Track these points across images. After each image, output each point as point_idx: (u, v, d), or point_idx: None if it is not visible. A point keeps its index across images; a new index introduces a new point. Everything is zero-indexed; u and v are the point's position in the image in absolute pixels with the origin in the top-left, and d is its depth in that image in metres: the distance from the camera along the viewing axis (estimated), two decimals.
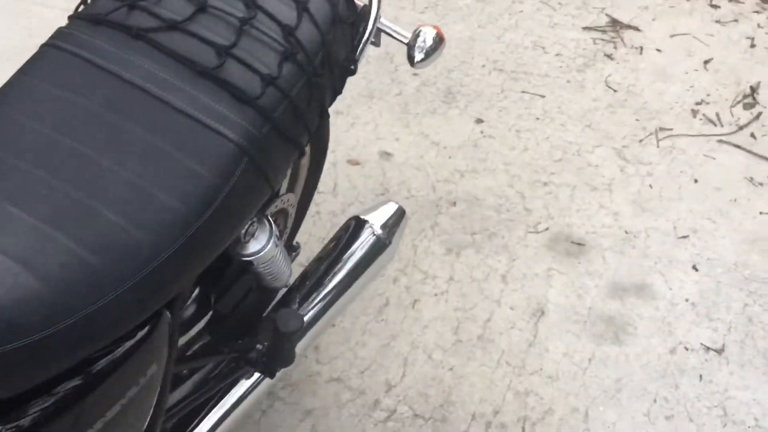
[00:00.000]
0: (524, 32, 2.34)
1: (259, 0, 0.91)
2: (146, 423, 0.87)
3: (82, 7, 0.91)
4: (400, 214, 1.38)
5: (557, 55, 2.28)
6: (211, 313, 1.16)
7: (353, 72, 1.03)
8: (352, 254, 1.31)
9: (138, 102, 0.82)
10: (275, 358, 1.09)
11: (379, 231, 1.34)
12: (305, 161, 1.32)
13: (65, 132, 0.79)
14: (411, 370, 1.50)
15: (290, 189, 1.33)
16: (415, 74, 2.15)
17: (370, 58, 2.15)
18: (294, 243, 1.36)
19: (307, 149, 1.24)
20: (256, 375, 1.20)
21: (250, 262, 0.99)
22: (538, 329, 1.59)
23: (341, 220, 1.73)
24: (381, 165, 1.89)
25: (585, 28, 2.39)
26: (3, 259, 0.69)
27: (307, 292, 1.26)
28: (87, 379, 0.75)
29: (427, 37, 1.14)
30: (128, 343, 0.79)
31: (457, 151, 1.95)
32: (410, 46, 1.14)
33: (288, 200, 1.27)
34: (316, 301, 1.26)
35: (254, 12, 0.89)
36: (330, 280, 1.28)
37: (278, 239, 1.01)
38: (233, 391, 1.17)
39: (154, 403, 0.87)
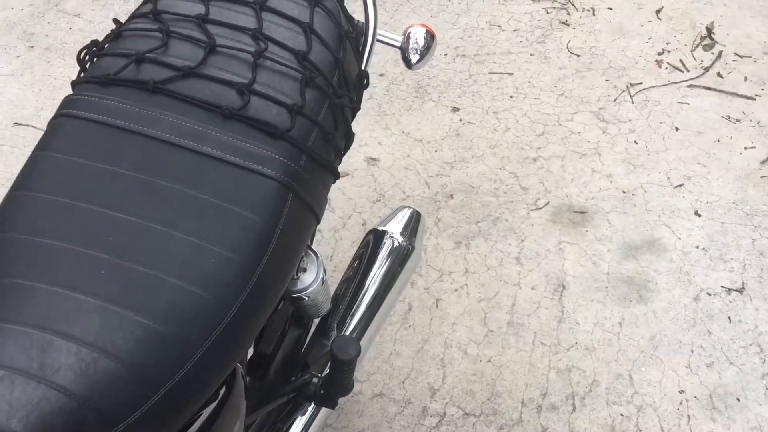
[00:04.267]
0: (477, 14, 2.35)
1: (265, 30, 0.88)
2: None
3: (83, 72, 0.87)
4: (416, 218, 1.36)
5: (515, 30, 2.29)
6: (250, 355, 1.13)
7: (367, 85, 1.01)
8: (378, 268, 1.29)
9: (169, 157, 0.78)
10: (335, 387, 1.06)
11: (399, 239, 1.32)
12: None
13: (103, 203, 0.75)
14: (450, 370, 1.49)
15: None
16: (381, 75, 2.14)
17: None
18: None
19: None
20: (311, 408, 1.17)
21: (300, 297, 0.96)
22: (563, 304, 1.59)
23: (345, 235, 1.72)
24: (370, 171, 1.87)
25: (534, 0, 2.40)
26: (77, 348, 0.65)
27: (342, 316, 1.24)
28: None
29: (419, 37, 1.12)
30: (212, 406, 0.76)
31: (442, 144, 1.94)
32: (404, 49, 1.12)
33: None
34: (354, 322, 1.24)
35: (264, 44, 0.87)
36: (363, 298, 1.26)
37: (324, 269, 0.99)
38: (293, 428, 1.15)
39: None
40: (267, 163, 0.80)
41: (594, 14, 2.34)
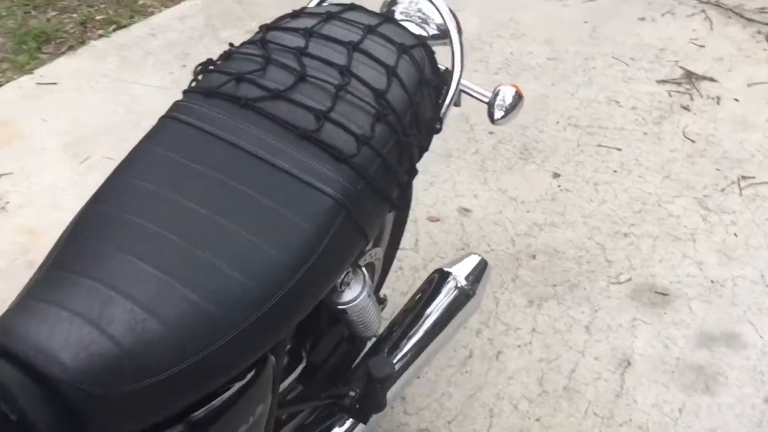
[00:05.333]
0: (598, 88, 2.39)
1: (352, 68, 1.00)
2: None
3: (194, 82, 1.02)
4: (482, 266, 1.42)
5: (632, 108, 2.31)
6: (304, 364, 1.23)
7: (439, 130, 1.10)
8: (437, 305, 1.36)
9: (247, 165, 0.90)
10: (368, 403, 1.13)
11: (462, 282, 1.38)
12: (390, 216, 1.39)
13: (184, 195, 0.87)
14: (497, 421, 1.51)
15: (377, 244, 1.39)
16: (491, 132, 2.21)
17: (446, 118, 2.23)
18: (381, 295, 1.42)
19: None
20: (349, 423, 1.24)
21: (344, 311, 1.05)
22: (624, 379, 1.58)
23: (423, 275, 1.79)
24: (460, 221, 1.94)
25: (659, 81, 2.41)
26: (132, 307, 0.77)
27: (395, 343, 1.31)
28: (205, 416, 0.82)
29: (507, 95, 1.19)
30: (239, 384, 0.86)
31: (535, 206, 1.99)
32: (490, 105, 1.20)
33: (375, 254, 1.34)
34: (404, 351, 1.31)
35: (348, 79, 0.98)
36: (417, 331, 1.33)
37: (371, 289, 1.07)
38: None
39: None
40: (328, 182, 0.90)
41: (718, 103, 2.32)
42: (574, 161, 2.12)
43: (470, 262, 1.41)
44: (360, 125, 0.95)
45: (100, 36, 2.61)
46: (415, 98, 1.03)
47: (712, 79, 2.42)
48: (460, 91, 1.21)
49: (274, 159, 0.91)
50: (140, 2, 2.82)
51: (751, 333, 1.66)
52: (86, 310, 0.76)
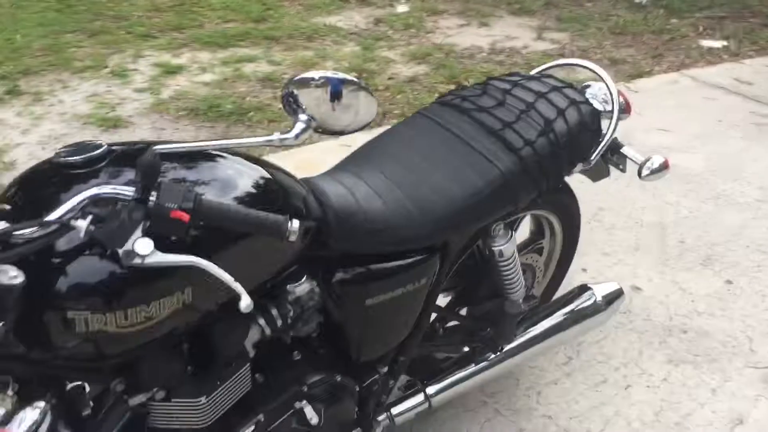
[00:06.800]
0: None
1: (535, 104, 1.57)
2: (413, 320, 1.48)
3: (438, 98, 1.67)
4: (618, 293, 1.85)
5: None
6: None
7: (588, 162, 1.60)
8: (571, 308, 1.81)
9: (456, 143, 1.51)
10: (500, 335, 1.62)
11: (598, 298, 1.82)
12: (558, 246, 1.88)
13: (415, 151, 1.51)
14: (610, 429, 1.85)
15: (546, 262, 1.89)
16: (681, 241, 2.58)
17: (643, 223, 2.65)
18: (534, 294, 1.88)
19: (560, 234, 1.83)
20: (484, 365, 1.72)
21: (494, 253, 1.57)
22: None
23: None
24: (629, 294, 2.32)
25: None
26: (368, 189, 1.40)
27: (530, 324, 1.78)
28: (393, 266, 1.39)
29: (655, 162, 1.66)
30: (415, 257, 1.42)
31: (701, 299, 2.30)
32: (640, 165, 1.67)
33: (535, 260, 1.84)
34: (533, 331, 1.77)
35: (530, 108, 1.56)
36: (548, 320, 1.79)
37: (516, 248, 1.59)
38: (468, 368, 1.71)
39: (420, 309, 1.47)
40: (499, 160, 1.47)
41: None
42: (750, 275, 2.40)
43: (610, 287, 1.85)
44: (529, 135, 1.52)
45: None
46: (573, 132, 1.56)
47: None
48: (623, 156, 1.71)
49: (472, 142, 1.51)
50: None
51: None
52: (346, 182, 1.40)
